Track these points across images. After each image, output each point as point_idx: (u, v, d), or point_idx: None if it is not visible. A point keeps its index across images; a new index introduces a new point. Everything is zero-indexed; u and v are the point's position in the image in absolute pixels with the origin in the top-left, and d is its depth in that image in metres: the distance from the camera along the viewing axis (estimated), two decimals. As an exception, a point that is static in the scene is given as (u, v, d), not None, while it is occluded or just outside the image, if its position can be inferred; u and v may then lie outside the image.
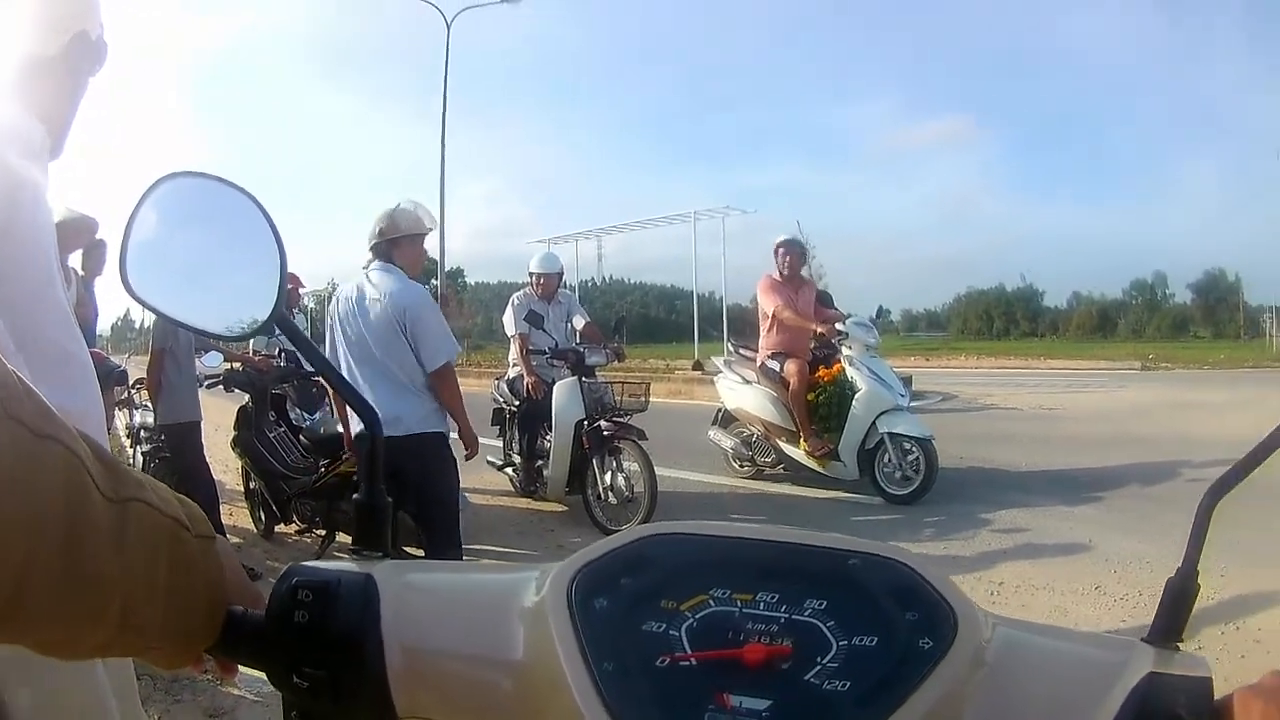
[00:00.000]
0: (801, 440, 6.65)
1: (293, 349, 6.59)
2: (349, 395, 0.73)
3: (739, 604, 0.53)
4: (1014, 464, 7.71)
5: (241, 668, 0.62)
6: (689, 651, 0.50)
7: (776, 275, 7.02)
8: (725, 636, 0.51)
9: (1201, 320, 74.37)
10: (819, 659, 0.50)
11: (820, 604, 0.53)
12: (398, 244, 3.79)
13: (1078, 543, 5.05)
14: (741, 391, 7.07)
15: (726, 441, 7.23)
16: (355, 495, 0.71)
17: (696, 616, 0.52)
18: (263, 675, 0.58)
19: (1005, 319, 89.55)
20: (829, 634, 0.51)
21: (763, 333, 7.13)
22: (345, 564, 0.62)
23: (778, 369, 6.85)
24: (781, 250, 7.01)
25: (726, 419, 7.30)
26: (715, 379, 7.40)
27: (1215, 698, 0.47)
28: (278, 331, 0.77)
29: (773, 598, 0.53)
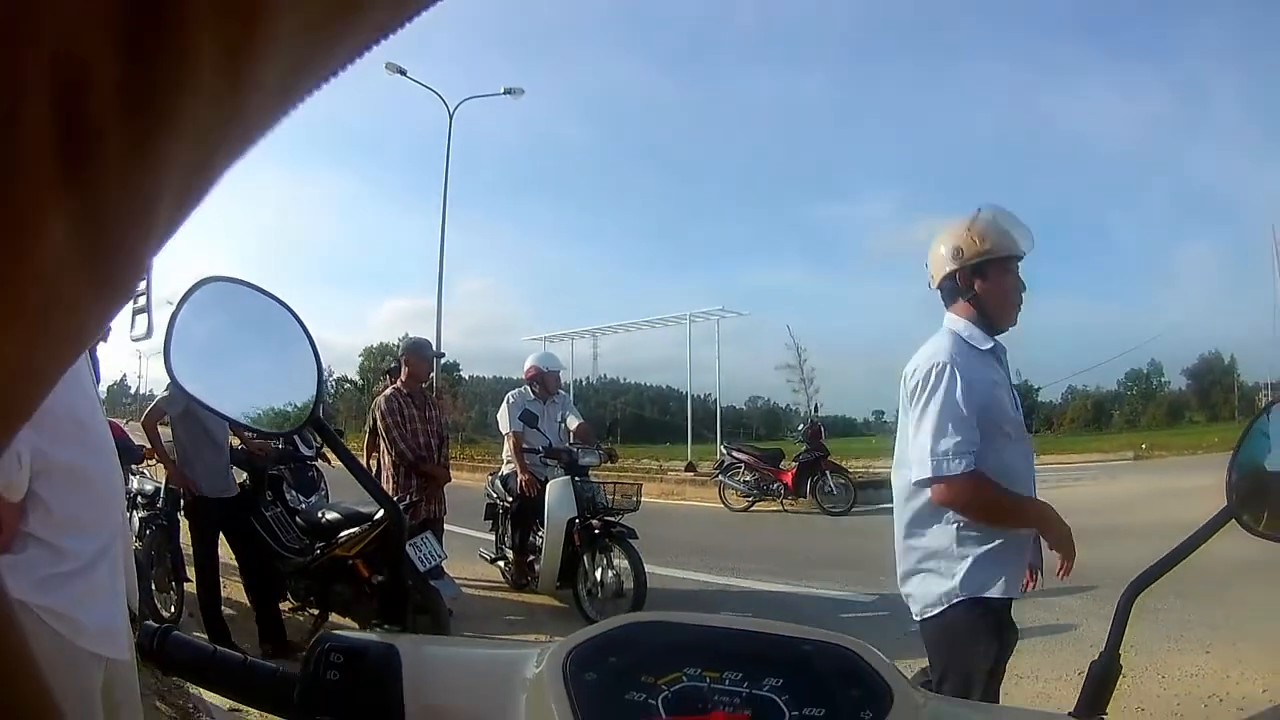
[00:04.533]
0: None
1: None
2: (375, 491, 0.83)
3: (708, 680, 0.63)
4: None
5: None
6: (664, 716, 0.61)
7: None
8: (695, 706, 0.61)
9: (1197, 405, 73.32)
10: None
11: (777, 682, 0.63)
12: (984, 272, 2.52)
13: (1062, 631, 5.06)
14: None
15: None
16: (379, 577, 0.81)
17: (672, 689, 0.63)
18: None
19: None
20: (784, 706, 0.61)
21: None
22: (372, 635, 0.72)
23: None
24: None
25: None
26: None
27: None
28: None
29: (737, 676, 0.64)
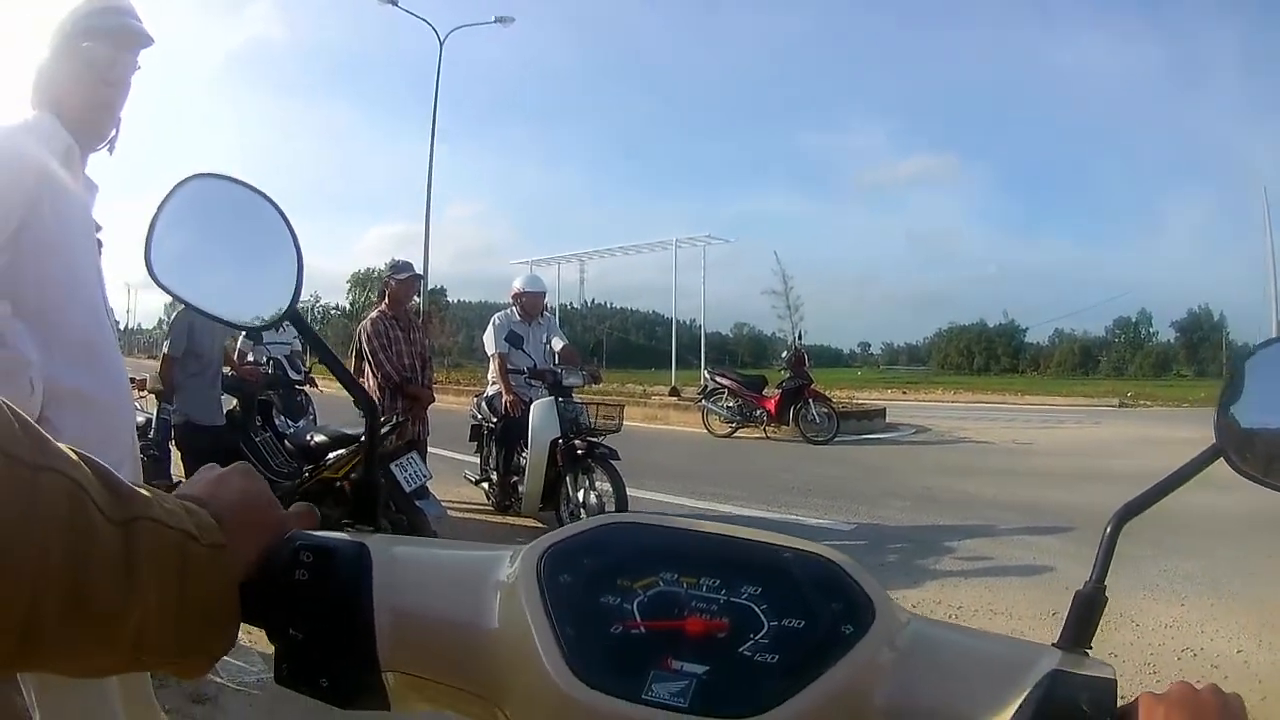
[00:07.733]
0: None
1: (278, 358, 6.76)
2: (352, 386, 0.81)
3: (685, 586, 0.62)
4: (983, 495, 7.81)
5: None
6: (639, 621, 0.60)
7: None
8: (671, 612, 0.60)
9: (1185, 359, 74.44)
10: (751, 635, 0.59)
11: (756, 590, 0.62)
12: None
13: (1040, 571, 5.10)
14: None
15: None
16: (353, 475, 0.78)
17: (647, 594, 0.61)
18: (242, 664, 0.64)
19: (986, 354, 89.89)
20: (762, 615, 0.60)
21: None
22: (342, 534, 0.70)
23: None
24: None
25: None
26: None
27: (1121, 700, 0.54)
28: (285, 326, 0.83)
29: (714, 582, 0.62)
